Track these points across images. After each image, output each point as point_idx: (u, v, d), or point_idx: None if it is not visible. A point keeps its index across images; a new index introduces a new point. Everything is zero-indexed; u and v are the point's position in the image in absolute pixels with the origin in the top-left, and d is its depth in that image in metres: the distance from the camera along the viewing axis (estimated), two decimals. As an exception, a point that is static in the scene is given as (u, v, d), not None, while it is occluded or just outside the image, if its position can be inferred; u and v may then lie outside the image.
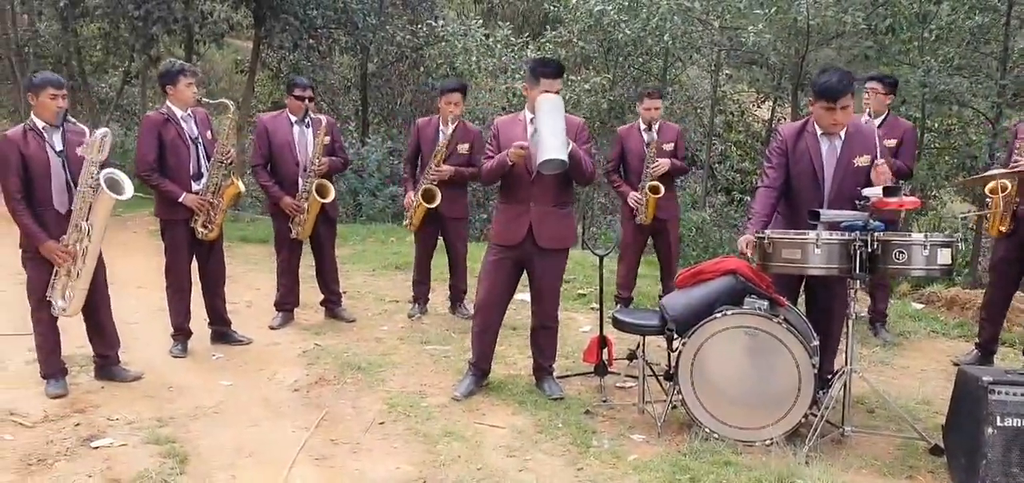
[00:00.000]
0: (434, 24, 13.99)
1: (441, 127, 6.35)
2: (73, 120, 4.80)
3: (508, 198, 4.73)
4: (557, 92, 4.55)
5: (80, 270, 4.68)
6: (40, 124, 4.67)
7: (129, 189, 4.72)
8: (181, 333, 5.61)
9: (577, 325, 6.43)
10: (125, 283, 7.24)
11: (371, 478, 3.87)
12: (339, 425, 4.46)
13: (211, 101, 5.72)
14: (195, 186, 5.43)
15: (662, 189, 6.19)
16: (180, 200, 5.35)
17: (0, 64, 18.82)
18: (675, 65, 12.79)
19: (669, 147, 6.29)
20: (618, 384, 5.07)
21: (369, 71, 15.95)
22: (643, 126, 6.33)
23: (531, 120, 4.62)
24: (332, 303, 6.50)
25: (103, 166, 4.65)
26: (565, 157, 4.31)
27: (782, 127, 4.76)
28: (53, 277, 4.71)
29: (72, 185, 4.67)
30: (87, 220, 4.63)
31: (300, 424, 4.45)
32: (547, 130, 4.32)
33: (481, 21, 13.61)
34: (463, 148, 6.26)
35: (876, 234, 3.91)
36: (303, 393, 4.95)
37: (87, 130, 4.73)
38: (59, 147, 4.68)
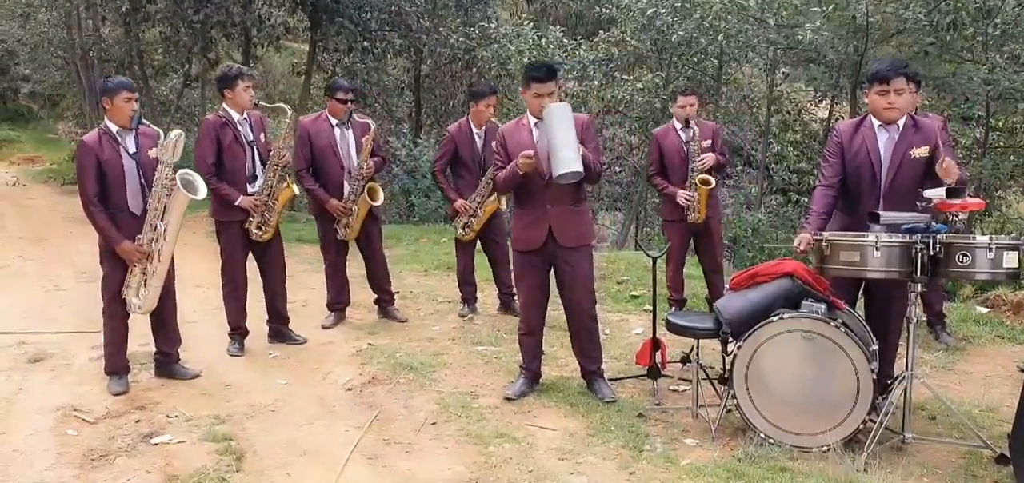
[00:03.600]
0: (487, 26, 14.01)
1: (475, 131, 6.38)
2: (146, 122, 4.93)
3: (524, 203, 4.75)
4: (551, 94, 4.57)
5: (155, 270, 4.80)
6: (114, 128, 4.79)
7: (203, 189, 4.84)
8: (238, 332, 5.72)
9: (629, 327, 6.38)
10: (184, 282, 7.37)
11: (423, 478, 3.89)
12: (392, 425, 4.50)
13: (269, 105, 5.81)
14: (251, 188, 5.54)
15: (713, 181, 6.11)
16: (236, 203, 5.46)
17: (66, 68, 19.40)
18: (730, 64, 12.62)
19: (707, 143, 6.20)
20: (671, 387, 5.03)
21: (422, 73, 16.05)
22: (679, 125, 6.26)
23: (536, 124, 4.64)
24: (384, 303, 6.55)
25: (175, 167, 4.77)
26: (580, 167, 4.35)
27: (839, 124, 4.69)
28: (128, 276, 4.84)
29: (145, 187, 4.79)
30: (162, 221, 4.74)
31: (353, 423, 4.50)
32: (559, 141, 4.35)
33: (532, 24, 13.59)
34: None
35: (938, 236, 3.81)
36: (356, 392, 5.00)
37: (161, 133, 4.85)
38: (132, 149, 4.80)
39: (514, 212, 4.89)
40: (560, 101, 4.63)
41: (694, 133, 6.15)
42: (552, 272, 4.84)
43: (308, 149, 6.10)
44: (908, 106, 5.60)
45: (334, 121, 6.09)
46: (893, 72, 4.18)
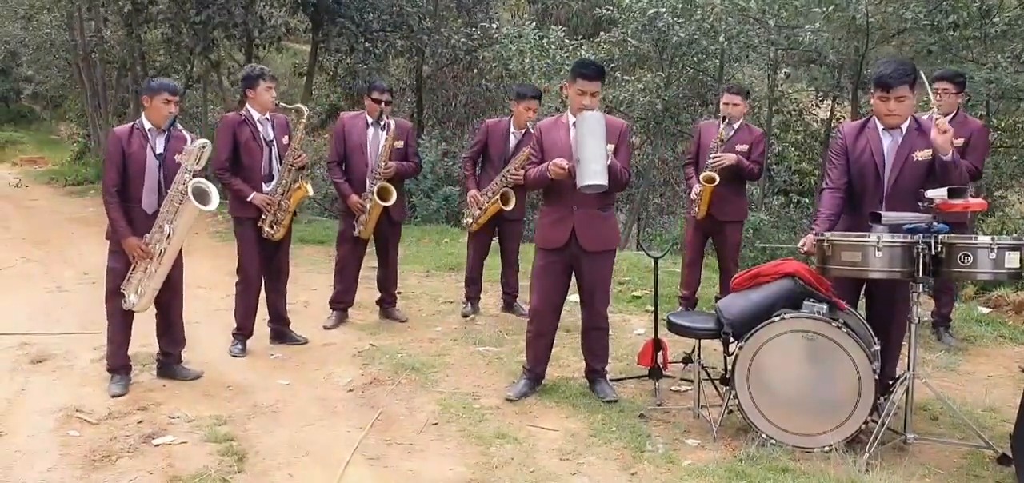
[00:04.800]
0: (488, 27, 14.03)
1: (512, 130, 6.38)
2: (179, 126, 4.97)
3: (551, 202, 4.76)
4: (594, 94, 4.57)
5: (155, 270, 4.81)
6: (147, 126, 4.88)
7: (215, 201, 4.85)
8: (242, 332, 5.72)
9: (631, 327, 6.38)
10: (187, 283, 7.36)
11: (424, 479, 3.89)
12: (393, 425, 4.50)
13: (288, 106, 5.87)
14: (266, 187, 5.57)
15: (717, 179, 6.07)
16: (249, 199, 5.50)
17: (68, 70, 19.44)
18: (731, 64, 12.62)
19: (743, 148, 6.16)
20: (673, 388, 5.03)
21: (424, 74, 16.07)
22: (721, 122, 6.26)
23: (573, 124, 4.62)
24: (387, 304, 6.56)
25: (196, 175, 4.79)
26: (605, 181, 4.35)
27: (843, 126, 4.69)
28: (131, 272, 4.86)
29: (164, 187, 4.83)
30: (171, 223, 4.75)
31: (355, 424, 4.50)
32: (588, 153, 4.34)
33: (533, 24, 13.59)
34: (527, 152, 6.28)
35: (940, 237, 3.80)
36: (358, 393, 5.00)
37: (189, 137, 4.88)
38: (160, 150, 4.86)
39: (541, 210, 4.91)
40: (592, 108, 4.60)
41: (730, 132, 6.13)
42: (572, 275, 4.84)
43: (342, 144, 6.17)
44: (949, 106, 5.61)
45: (369, 120, 6.15)
46: (895, 80, 4.13)
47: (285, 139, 5.68)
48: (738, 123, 6.22)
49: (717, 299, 6.39)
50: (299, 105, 5.81)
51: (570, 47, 12.77)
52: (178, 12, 12.31)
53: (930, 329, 5.92)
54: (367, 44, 13.35)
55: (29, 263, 9.02)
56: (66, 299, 7.32)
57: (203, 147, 4.79)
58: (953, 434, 4.31)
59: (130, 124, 4.95)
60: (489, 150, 6.49)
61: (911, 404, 4.04)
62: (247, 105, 5.61)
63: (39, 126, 25.72)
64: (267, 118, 5.60)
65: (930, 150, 4.19)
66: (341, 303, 6.41)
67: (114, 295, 4.93)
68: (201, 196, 4.76)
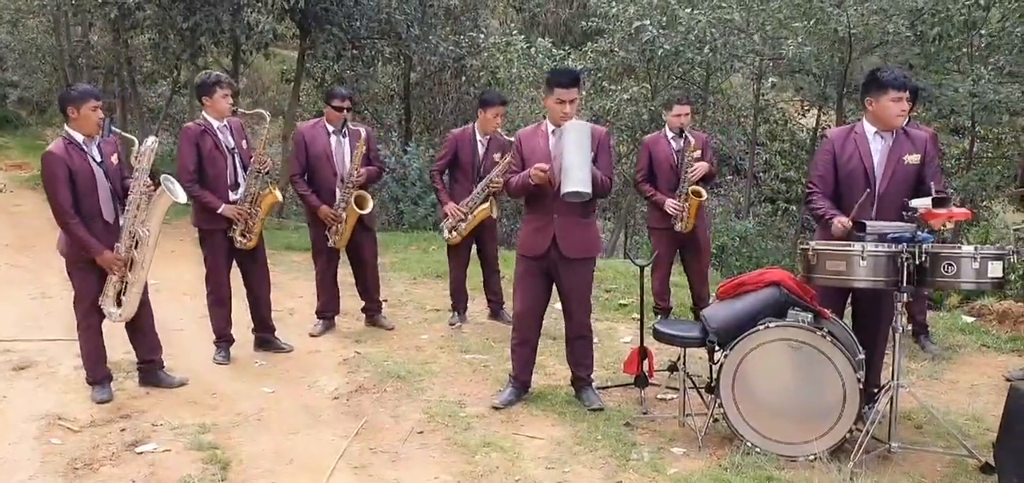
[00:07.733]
0: (476, 35, 14.04)
1: (479, 138, 6.37)
2: (116, 130, 4.86)
3: (533, 209, 4.76)
4: (572, 101, 4.58)
5: (136, 277, 4.76)
6: (79, 137, 4.67)
7: (182, 195, 4.80)
8: (223, 340, 5.68)
9: (617, 335, 6.39)
10: (171, 290, 7.37)
11: (410, 487, 3.88)
12: (378, 434, 4.48)
13: (248, 111, 5.79)
14: (233, 195, 5.51)
15: (705, 193, 6.11)
16: (219, 211, 5.43)
17: (55, 74, 19.33)
18: (717, 74, 12.67)
19: (697, 154, 6.18)
20: (658, 396, 5.03)
21: (412, 81, 16.06)
22: (671, 134, 6.27)
23: (553, 132, 4.65)
24: (372, 311, 6.54)
25: (153, 174, 4.74)
26: (589, 190, 4.37)
27: (829, 132, 4.73)
28: (106, 285, 4.79)
29: (115, 194, 4.75)
30: (144, 227, 4.70)
31: (340, 432, 4.48)
32: (572, 161, 4.37)
33: (521, 35, 13.62)
34: (497, 157, 6.27)
35: (924, 246, 3.83)
36: (343, 401, 4.98)
37: (134, 140, 4.77)
38: (98, 158, 4.73)
39: (523, 217, 4.91)
40: (578, 116, 4.62)
41: (688, 142, 6.14)
42: (552, 282, 4.84)
43: (303, 155, 6.08)
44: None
45: (330, 128, 6.09)
46: (908, 82, 4.25)
47: (243, 144, 5.62)
48: (686, 131, 6.22)
49: (693, 309, 6.44)
50: (260, 110, 5.75)
51: (558, 56, 12.79)
52: (165, 18, 12.24)
53: (913, 338, 5.94)
54: (355, 51, 13.32)
55: (13, 269, 8.95)
56: (50, 306, 7.27)
57: (153, 144, 4.72)
58: (937, 443, 4.33)
59: (61, 140, 4.66)
60: (459, 159, 6.44)
61: (895, 413, 4.05)
62: (204, 113, 5.49)
63: (25, 131, 25.51)
64: (225, 124, 5.51)
65: (918, 155, 4.25)
66: (327, 312, 6.39)
67: (90, 313, 4.82)
68: (170, 191, 4.72)
